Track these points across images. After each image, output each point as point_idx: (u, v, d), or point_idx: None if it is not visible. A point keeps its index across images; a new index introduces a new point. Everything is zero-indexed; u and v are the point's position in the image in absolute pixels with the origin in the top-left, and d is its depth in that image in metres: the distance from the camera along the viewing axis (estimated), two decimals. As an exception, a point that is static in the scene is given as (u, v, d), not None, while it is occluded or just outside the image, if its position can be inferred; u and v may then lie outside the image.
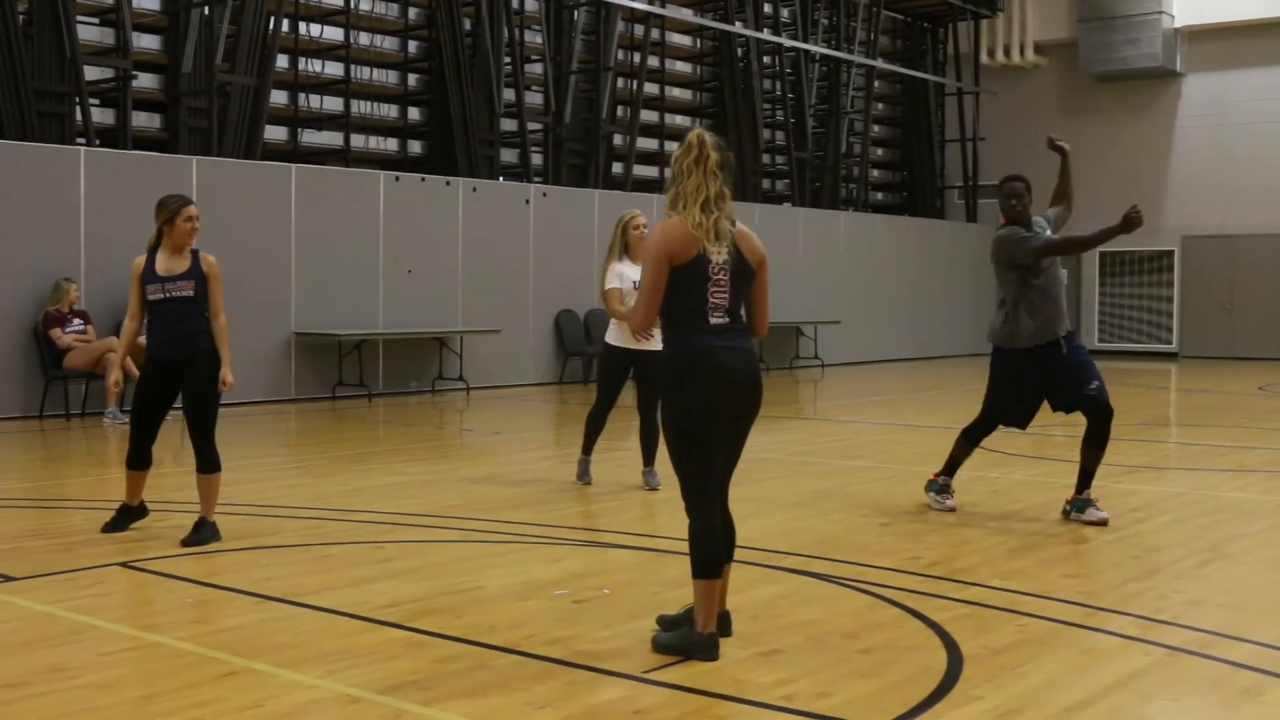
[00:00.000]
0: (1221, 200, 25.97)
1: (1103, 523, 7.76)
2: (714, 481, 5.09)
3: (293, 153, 17.13)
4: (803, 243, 23.44)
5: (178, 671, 4.86)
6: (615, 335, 9.18)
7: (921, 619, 5.62)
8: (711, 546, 5.03)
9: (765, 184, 24.20)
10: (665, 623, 5.34)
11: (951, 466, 8.46)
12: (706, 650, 4.99)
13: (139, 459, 7.43)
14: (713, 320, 5.02)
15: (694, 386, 4.98)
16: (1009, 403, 8.21)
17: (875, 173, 27.58)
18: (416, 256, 17.00)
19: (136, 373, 8.02)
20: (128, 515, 7.51)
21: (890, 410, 15.84)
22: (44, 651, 5.10)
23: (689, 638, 5.04)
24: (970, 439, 8.46)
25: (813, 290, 23.38)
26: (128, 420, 12.86)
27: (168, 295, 7.23)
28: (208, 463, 7.30)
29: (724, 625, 5.22)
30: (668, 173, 19.51)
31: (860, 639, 5.31)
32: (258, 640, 5.28)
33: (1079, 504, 7.93)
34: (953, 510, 8.28)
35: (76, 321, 13.56)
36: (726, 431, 5.09)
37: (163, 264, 7.28)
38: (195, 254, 7.32)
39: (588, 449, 9.40)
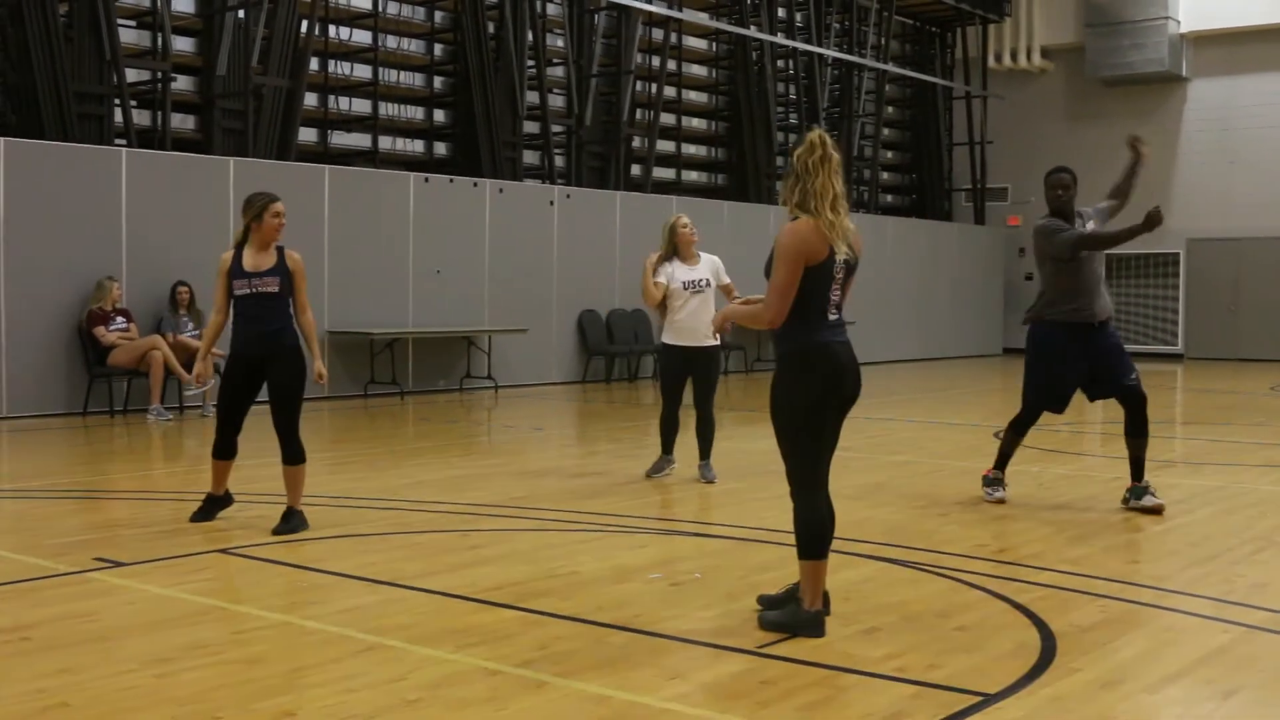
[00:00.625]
0: (1226, 203, 26.30)
1: (1157, 509, 8.06)
2: (825, 466, 5.36)
3: (322, 154, 17.38)
4: (816, 244, 23.69)
5: (316, 647, 5.12)
6: (671, 335, 9.43)
7: (1005, 600, 5.90)
8: (820, 527, 5.31)
9: (779, 187, 24.42)
10: (767, 602, 5.61)
11: (1003, 459, 8.73)
12: (813, 627, 5.26)
13: (225, 449, 7.67)
14: (830, 316, 5.29)
15: (812, 378, 5.26)
16: (1049, 386, 8.44)
17: (885, 175, 27.88)
18: (445, 257, 17.25)
19: (180, 372, 8.09)
20: (214, 504, 7.77)
21: (916, 408, 16.13)
22: (180, 630, 5.35)
23: (796, 615, 5.31)
24: (1017, 430, 8.69)
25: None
26: (171, 418, 13.12)
27: (254, 291, 7.47)
28: (293, 454, 7.55)
29: (825, 604, 5.49)
30: (685, 175, 19.84)
31: (952, 618, 5.59)
32: (381, 620, 5.53)
33: (1136, 491, 8.24)
34: (1003, 502, 8.54)
35: (119, 319, 13.79)
36: (834, 420, 5.36)
37: (250, 260, 7.52)
38: (281, 250, 7.56)
39: (668, 449, 9.60)
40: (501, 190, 18.04)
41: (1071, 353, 8.28)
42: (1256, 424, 14.15)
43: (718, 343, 9.37)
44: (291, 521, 7.44)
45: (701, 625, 5.45)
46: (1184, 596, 6.01)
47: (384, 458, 10.96)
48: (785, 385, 5.32)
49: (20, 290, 13.47)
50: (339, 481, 9.45)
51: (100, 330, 13.64)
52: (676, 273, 9.37)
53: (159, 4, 15.21)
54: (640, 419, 14.75)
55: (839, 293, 5.31)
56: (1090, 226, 8.39)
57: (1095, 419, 13.11)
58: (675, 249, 9.40)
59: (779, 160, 24.22)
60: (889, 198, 28.22)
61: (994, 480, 8.67)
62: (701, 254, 9.42)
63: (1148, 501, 8.13)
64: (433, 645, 5.12)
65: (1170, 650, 5.14)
